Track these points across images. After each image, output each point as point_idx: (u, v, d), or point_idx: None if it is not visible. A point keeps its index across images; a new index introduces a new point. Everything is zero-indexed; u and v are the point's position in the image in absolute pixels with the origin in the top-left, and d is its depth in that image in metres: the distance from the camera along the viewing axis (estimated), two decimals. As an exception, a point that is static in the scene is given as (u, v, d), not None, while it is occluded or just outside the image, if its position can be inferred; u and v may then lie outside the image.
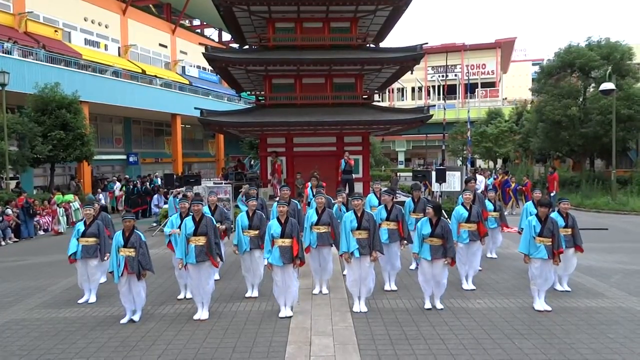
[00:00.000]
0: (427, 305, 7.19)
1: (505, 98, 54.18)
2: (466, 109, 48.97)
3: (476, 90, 52.05)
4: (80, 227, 8.12)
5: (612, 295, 7.73)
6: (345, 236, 7.15)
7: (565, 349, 5.63)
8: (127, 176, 26.29)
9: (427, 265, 7.15)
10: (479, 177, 18.82)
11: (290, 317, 6.86)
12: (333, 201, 9.53)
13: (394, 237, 8.21)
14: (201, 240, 6.92)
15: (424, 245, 7.16)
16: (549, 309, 6.97)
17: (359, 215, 7.19)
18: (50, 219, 17.52)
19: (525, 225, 7.28)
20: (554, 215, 7.95)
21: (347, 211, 8.33)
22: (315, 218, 7.87)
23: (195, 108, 19.08)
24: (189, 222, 7.06)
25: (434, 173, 16.76)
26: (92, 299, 8.05)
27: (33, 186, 24.09)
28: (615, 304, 7.28)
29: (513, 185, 19.27)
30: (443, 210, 15.50)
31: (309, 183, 11.96)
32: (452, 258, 7.13)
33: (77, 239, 8.01)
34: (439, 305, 7.19)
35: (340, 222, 7.73)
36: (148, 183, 23.19)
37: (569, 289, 7.98)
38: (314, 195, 11.34)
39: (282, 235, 6.93)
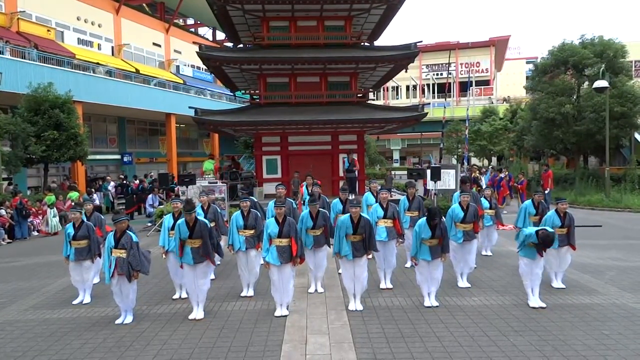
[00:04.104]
0: (427, 303, 7.21)
1: (505, 98, 54.27)
2: (460, 107, 49.19)
3: (470, 88, 52.20)
4: (70, 230, 8.02)
5: (606, 292, 7.77)
6: (339, 240, 7.16)
7: (559, 345, 5.66)
8: (122, 175, 26.16)
9: (426, 265, 7.22)
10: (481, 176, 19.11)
11: (286, 316, 6.86)
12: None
13: (392, 235, 8.27)
14: (197, 243, 6.90)
15: (422, 247, 7.17)
16: (544, 305, 7.00)
17: (355, 222, 7.15)
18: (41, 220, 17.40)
19: (524, 234, 7.16)
20: (550, 214, 7.95)
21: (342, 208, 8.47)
22: (310, 223, 7.86)
23: (190, 107, 19.04)
24: (182, 227, 6.93)
25: (428, 171, 16.78)
26: (87, 299, 8.01)
27: (27, 187, 23.96)
28: (609, 301, 7.32)
29: (506, 178, 19.38)
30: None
31: (304, 182, 12.02)
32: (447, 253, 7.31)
33: (69, 242, 7.96)
34: (434, 303, 7.21)
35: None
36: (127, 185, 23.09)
37: (563, 286, 8.02)
38: (309, 194, 11.44)
39: (280, 235, 6.92)
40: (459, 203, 8.66)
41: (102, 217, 9.41)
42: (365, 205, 9.83)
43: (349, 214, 7.32)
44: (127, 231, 6.87)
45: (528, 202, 9.53)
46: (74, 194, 18.36)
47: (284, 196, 9.10)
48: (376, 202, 9.27)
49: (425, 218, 7.17)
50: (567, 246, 7.96)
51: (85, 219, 8.36)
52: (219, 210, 9.75)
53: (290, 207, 9.14)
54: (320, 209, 8.02)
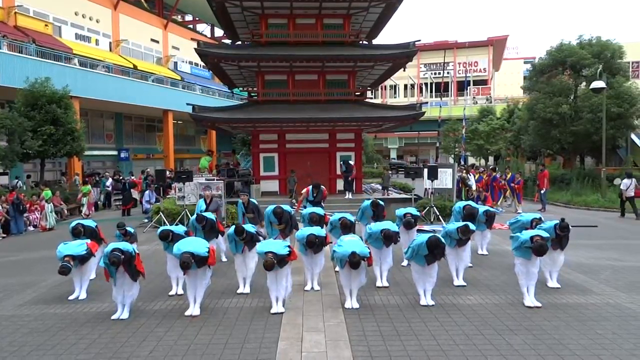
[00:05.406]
0: (423, 301, 7.25)
1: (487, 98, 54.37)
2: (458, 107, 49.30)
3: (468, 88, 52.32)
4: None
5: (601, 292, 7.80)
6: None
7: (554, 344, 5.68)
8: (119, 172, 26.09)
9: (420, 267, 7.33)
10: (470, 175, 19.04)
11: (282, 313, 6.87)
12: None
13: (388, 243, 8.38)
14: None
15: (418, 255, 7.26)
16: (539, 305, 7.03)
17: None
18: (39, 215, 17.36)
19: (519, 239, 7.21)
20: (549, 228, 7.88)
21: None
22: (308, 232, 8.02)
23: (188, 104, 19.01)
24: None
25: (425, 170, 16.80)
26: (83, 295, 8.00)
27: (23, 182, 23.88)
28: (604, 300, 7.35)
29: (505, 179, 19.37)
30: (435, 207, 15.61)
31: (310, 187, 12.65)
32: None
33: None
34: (430, 301, 7.24)
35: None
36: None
37: (558, 286, 8.05)
38: (314, 197, 12.35)
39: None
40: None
41: (94, 225, 9.31)
42: (361, 212, 10.55)
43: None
44: (123, 249, 6.80)
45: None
46: (47, 193, 18.20)
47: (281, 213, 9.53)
48: (374, 214, 10.13)
49: (426, 244, 7.06)
50: (559, 248, 8.00)
51: None
52: (219, 202, 10.30)
53: (287, 219, 9.55)
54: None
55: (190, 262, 6.61)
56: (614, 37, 46.81)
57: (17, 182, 20.02)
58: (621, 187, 17.15)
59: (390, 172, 27.87)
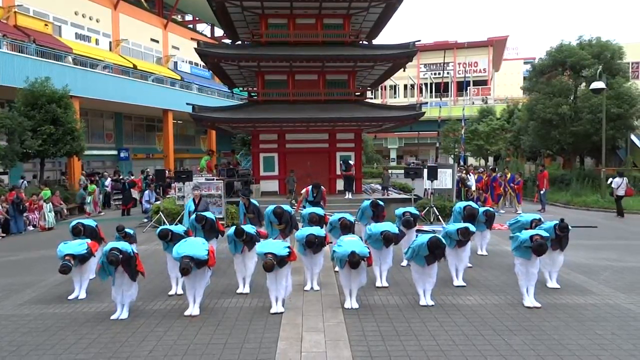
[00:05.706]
0: (422, 302, 7.25)
1: (484, 99, 54.40)
2: (458, 107, 49.34)
3: (468, 88, 52.35)
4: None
5: (600, 292, 7.81)
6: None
7: (553, 345, 5.69)
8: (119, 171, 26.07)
9: (419, 267, 7.34)
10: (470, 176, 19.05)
11: (282, 313, 6.87)
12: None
13: (388, 244, 8.41)
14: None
15: (418, 255, 7.28)
16: (538, 305, 7.04)
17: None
18: (38, 215, 17.36)
19: (519, 239, 7.22)
20: (549, 228, 7.88)
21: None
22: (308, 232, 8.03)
23: (188, 104, 19.01)
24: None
25: (425, 170, 16.80)
26: (82, 295, 8.00)
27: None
28: (603, 301, 7.35)
29: (502, 178, 19.37)
30: (434, 208, 15.62)
31: (310, 187, 12.63)
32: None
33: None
34: (429, 301, 7.25)
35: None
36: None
37: (558, 286, 8.05)
38: (314, 197, 12.33)
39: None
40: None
41: (94, 224, 9.32)
42: (361, 212, 10.60)
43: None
44: (121, 250, 6.79)
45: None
46: (45, 192, 18.22)
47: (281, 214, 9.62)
48: (373, 214, 10.21)
49: (427, 244, 7.09)
50: (559, 249, 8.00)
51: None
52: (208, 201, 10.39)
53: (287, 219, 9.60)
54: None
55: (190, 268, 6.60)
56: (614, 37, 46.93)
57: (22, 182, 20.02)
58: (612, 185, 17.28)
59: (390, 172, 27.79)
